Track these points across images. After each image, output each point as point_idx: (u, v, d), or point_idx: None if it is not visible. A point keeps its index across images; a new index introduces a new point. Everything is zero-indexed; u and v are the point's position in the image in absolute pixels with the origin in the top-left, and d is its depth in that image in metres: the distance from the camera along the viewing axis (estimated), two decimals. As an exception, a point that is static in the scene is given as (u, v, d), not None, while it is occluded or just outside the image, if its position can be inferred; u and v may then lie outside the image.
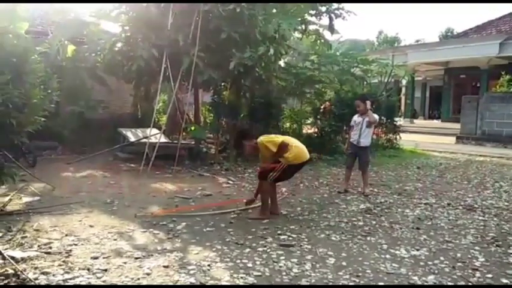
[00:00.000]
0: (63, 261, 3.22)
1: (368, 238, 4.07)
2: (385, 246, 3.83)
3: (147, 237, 3.87)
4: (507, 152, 12.70)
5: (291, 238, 3.97)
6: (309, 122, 10.94)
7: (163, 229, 4.11)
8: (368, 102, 6.18)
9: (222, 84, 8.82)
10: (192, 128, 8.79)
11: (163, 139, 8.66)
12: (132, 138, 8.86)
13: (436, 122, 24.41)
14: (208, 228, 4.20)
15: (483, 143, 14.73)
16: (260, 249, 3.64)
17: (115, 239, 3.78)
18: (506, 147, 13.93)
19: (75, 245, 3.60)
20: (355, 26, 44.27)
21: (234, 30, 7.44)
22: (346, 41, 12.42)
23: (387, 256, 3.59)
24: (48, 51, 9.87)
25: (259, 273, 3.13)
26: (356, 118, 6.32)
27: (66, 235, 3.83)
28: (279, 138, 4.83)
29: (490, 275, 3.25)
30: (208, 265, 3.24)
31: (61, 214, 4.51)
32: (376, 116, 6.33)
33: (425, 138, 16.10)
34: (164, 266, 3.19)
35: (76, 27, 10.22)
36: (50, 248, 3.50)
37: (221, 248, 3.63)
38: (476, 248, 3.87)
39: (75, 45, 10.50)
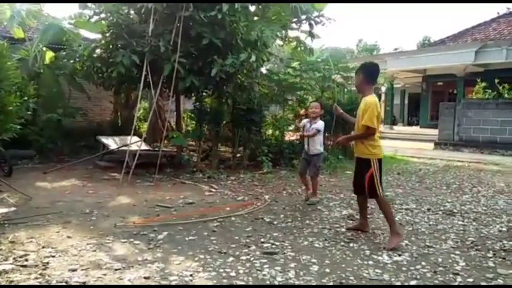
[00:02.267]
0: (40, 274, 3.12)
1: (351, 244, 4.08)
2: (367, 252, 3.85)
3: (127, 248, 3.78)
4: (484, 157, 13.02)
5: (274, 246, 3.94)
6: (291, 128, 10.98)
7: (143, 239, 4.03)
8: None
9: (204, 91, 8.79)
10: (174, 136, 8.71)
11: (144, 147, 8.55)
12: (112, 146, 8.72)
13: (414, 128, 24.89)
14: (190, 237, 4.13)
15: (461, 149, 15.06)
16: (243, 257, 3.60)
17: (94, 250, 3.68)
18: (483, 153, 14.27)
19: (53, 257, 3.48)
20: (335, 34, 45.10)
21: (216, 36, 7.44)
22: (328, 49, 12.55)
23: (370, 262, 3.60)
24: (25, 58, 9.72)
25: (243, 283, 3.09)
26: (306, 122, 6.00)
27: (43, 247, 3.72)
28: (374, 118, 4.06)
29: (470, 279, 3.29)
30: (191, 275, 3.19)
31: (38, 225, 4.37)
32: (319, 126, 5.89)
33: (404, 144, 16.36)
34: (145, 278, 3.12)
35: (55, 33, 10.08)
36: (26, 260, 3.38)
37: (204, 258, 3.57)
38: (457, 252, 3.92)
39: (53, 52, 10.35)
